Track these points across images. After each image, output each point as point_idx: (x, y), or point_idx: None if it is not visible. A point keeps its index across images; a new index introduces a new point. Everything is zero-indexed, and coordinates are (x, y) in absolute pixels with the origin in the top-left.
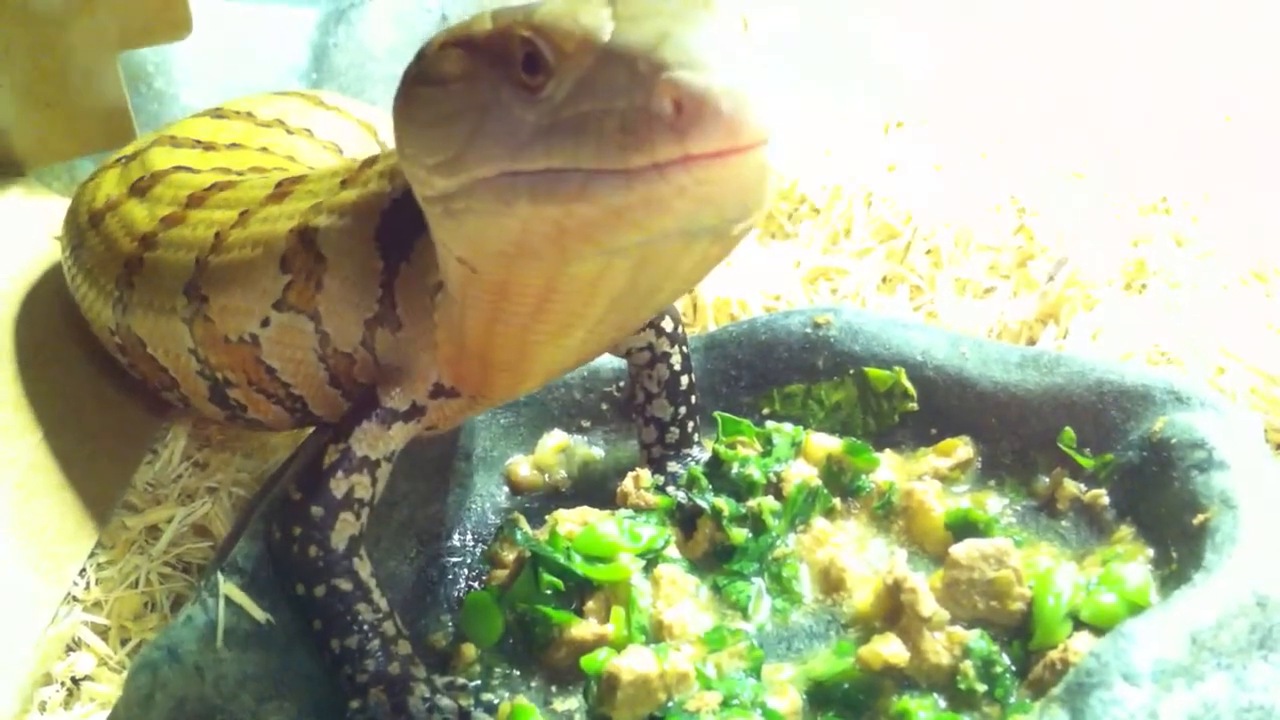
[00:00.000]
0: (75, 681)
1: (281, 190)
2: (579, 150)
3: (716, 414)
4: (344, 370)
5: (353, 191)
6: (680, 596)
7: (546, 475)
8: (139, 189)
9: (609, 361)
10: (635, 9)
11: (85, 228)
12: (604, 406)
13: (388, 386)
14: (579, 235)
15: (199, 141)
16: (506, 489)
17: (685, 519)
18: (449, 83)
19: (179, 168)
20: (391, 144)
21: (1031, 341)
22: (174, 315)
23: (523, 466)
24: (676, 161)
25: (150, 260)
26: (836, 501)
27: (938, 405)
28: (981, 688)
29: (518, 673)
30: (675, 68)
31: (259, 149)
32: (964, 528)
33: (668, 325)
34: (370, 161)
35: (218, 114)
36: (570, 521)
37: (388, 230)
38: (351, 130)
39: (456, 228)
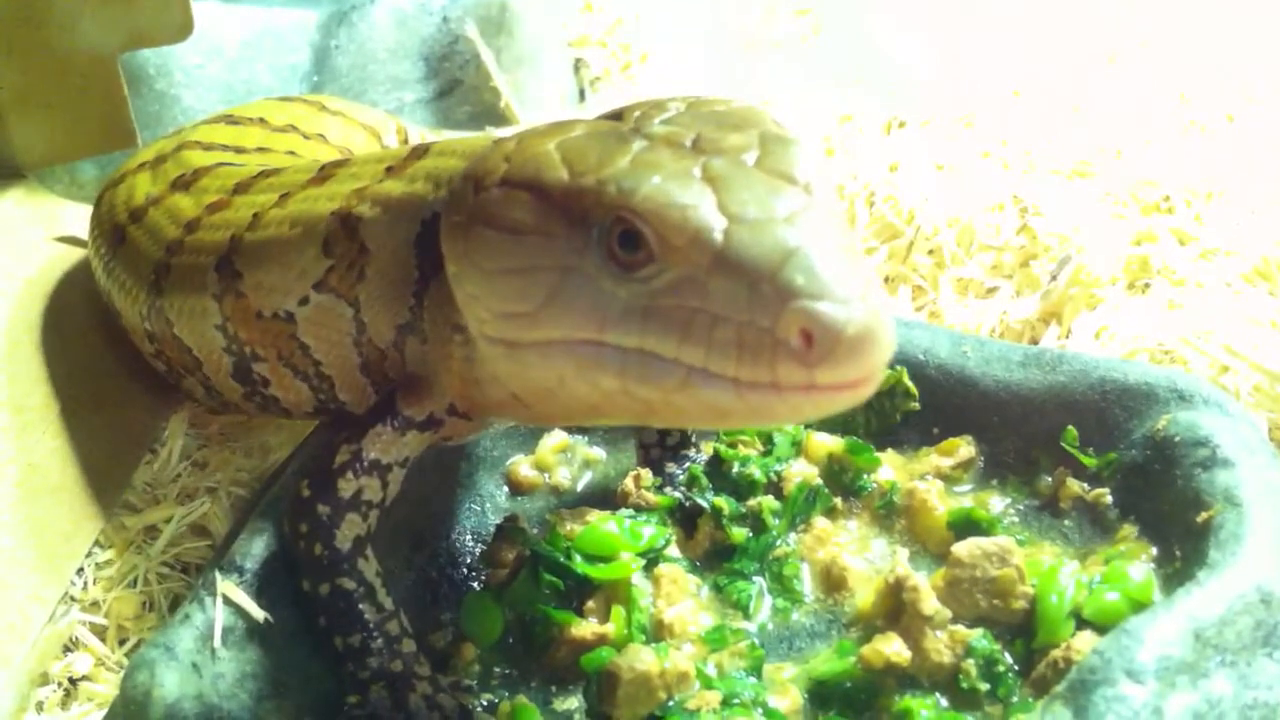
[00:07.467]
0: (73, 681)
1: (324, 174)
2: (683, 345)
3: None
4: (376, 362)
5: (398, 184)
6: (681, 596)
7: (547, 475)
8: (183, 184)
9: None
10: (743, 202)
11: (125, 223)
12: None
13: (408, 394)
14: (663, 415)
15: (227, 146)
16: (507, 489)
17: (686, 518)
18: (521, 233)
19: (222, 163)
20: (392, 146)
21: (1034, 341)
22: (204, 292)
23: (523, 466)
24: (799, 388)
25: (190, 243)
26: (838, 501)
27: (940, 404)
28: (984, 686)
29: (517, 672)
30: (805, 297)
31: (286, 153)
32: (966, 527)
33: None
34: (419, 152)
35: (231, 120)
36: (571, 521)
37: (427, 241)
38: (357, 136)
39: (517, 371)
